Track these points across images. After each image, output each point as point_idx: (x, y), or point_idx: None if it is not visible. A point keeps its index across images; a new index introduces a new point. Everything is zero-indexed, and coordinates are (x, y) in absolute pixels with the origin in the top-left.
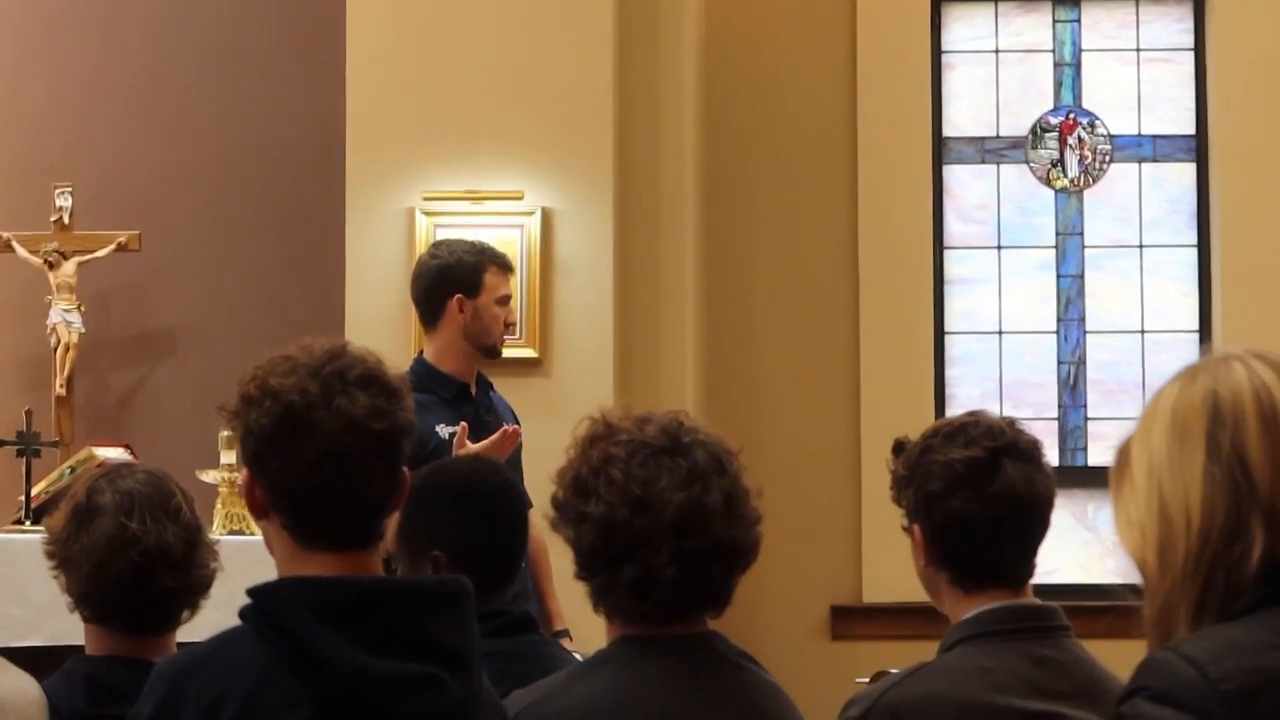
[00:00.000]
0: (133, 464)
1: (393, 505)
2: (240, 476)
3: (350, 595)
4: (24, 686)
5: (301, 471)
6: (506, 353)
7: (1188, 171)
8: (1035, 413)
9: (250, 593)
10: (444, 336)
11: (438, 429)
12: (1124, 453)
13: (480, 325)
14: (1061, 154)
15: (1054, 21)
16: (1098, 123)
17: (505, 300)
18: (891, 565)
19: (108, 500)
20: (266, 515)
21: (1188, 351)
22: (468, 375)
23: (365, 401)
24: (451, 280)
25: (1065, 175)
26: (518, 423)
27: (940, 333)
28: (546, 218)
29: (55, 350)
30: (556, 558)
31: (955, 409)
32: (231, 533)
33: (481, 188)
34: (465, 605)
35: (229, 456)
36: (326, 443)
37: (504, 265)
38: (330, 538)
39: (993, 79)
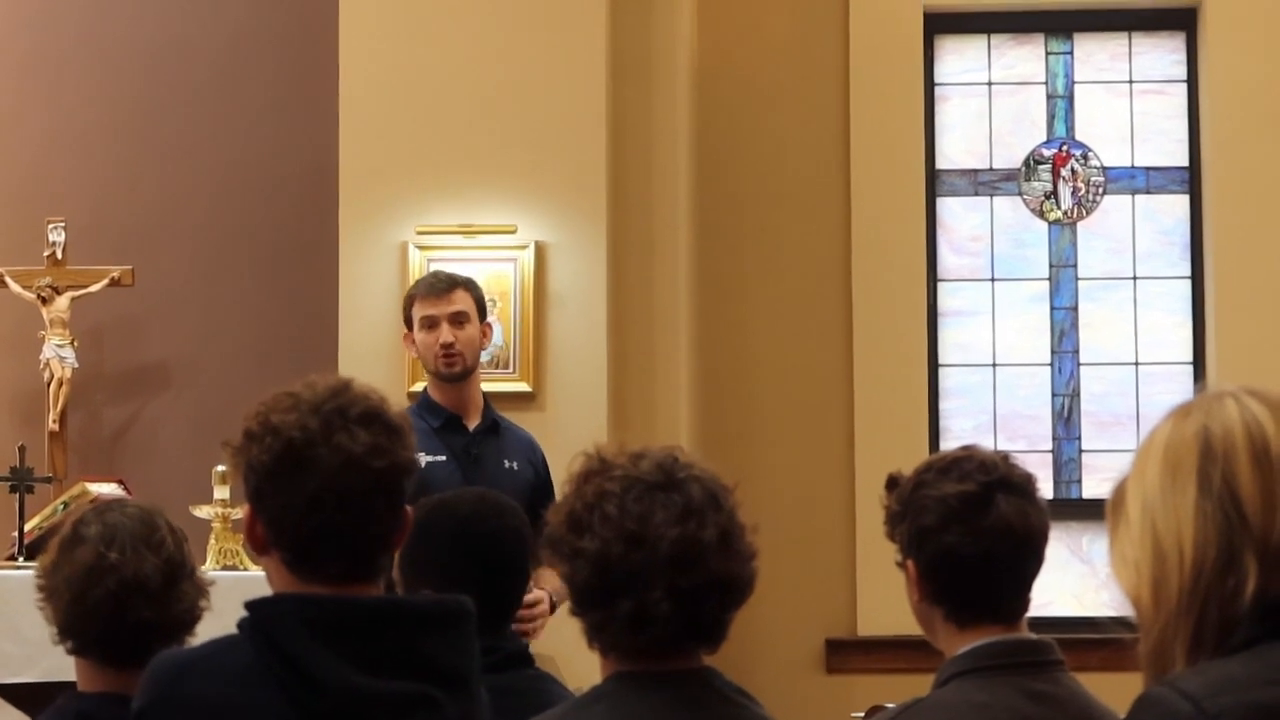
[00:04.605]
0: (126, 500)
1: (394, 542)
2: (242, 512)
3: (346, 613)
4: None
5: (301, 508)
6: (500, 386)
7: (1181, 203)
8: (1029, 445)
9: (248, 605)
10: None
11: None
12: (1119, 491)
13: (420, 354)
14: (1055, 186)
15: (1047, 54)
16: (1091, 155)
17: (430, 322)
18: (886, 598)
19: (92, 531)
20: (267, 551)
21: (1182, 383)
22: (459, 406)
23: (366, 439)
24: (404, 319)
25: (1058, 207)
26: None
27: (934, 365)
28: (540, 251)
29: (48, 385)
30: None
31: (949, 441)
32: (225, 568)
33: (475, 221)
34: (465, 625)
35: (223, 491)
36: (326, 480)
37: (429, 290)
38: (330, 573)
39: (986, 111)
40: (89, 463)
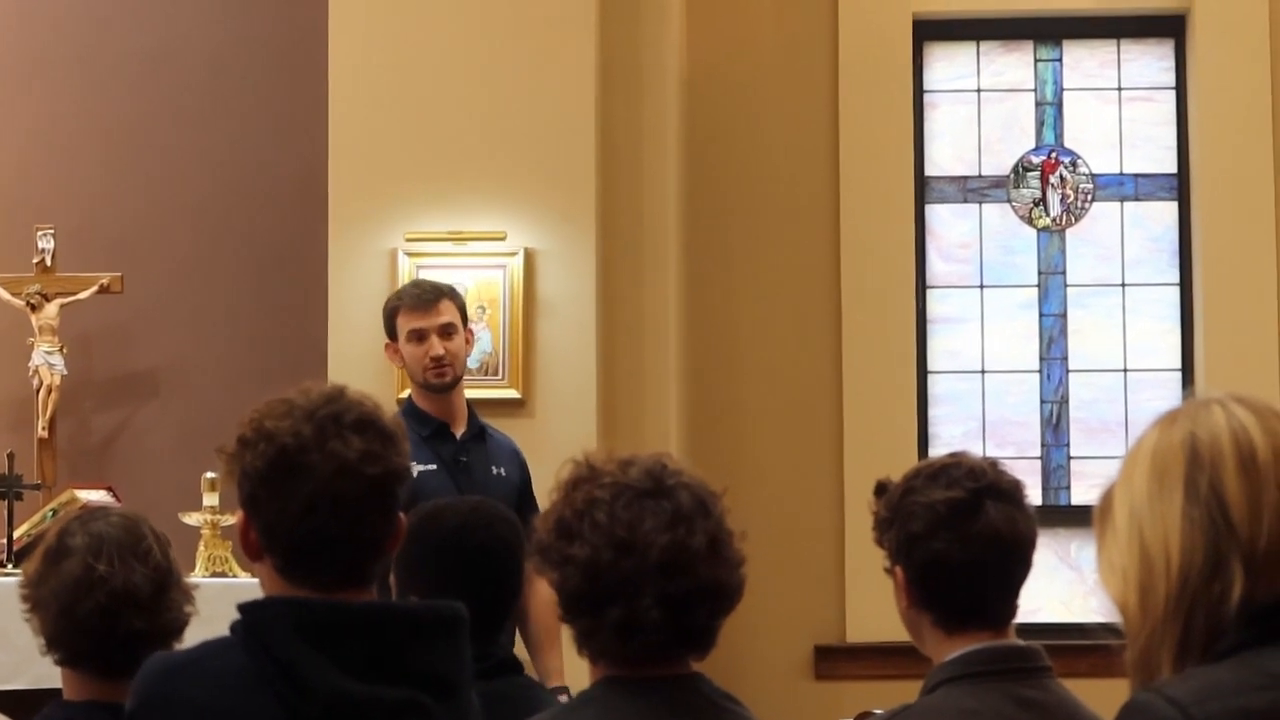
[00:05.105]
0: (109, 508)
1: (387, 548)
2: (233, 519)
3: (338, 617)
4: None
5: (295, 514)
6: (489, 394)
7: (1169, 210)
8: (1018, 451)
9: (240, 607)
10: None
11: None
12: (1107, 499)
13: (407, 366)
14: (1043, 193)
15: (1035, 61)
16: (1079, 162)
17: (419, 335)
18: (875, 604)
19: (78, 542)
20: (260, 558)
21: (1170, 390)
22: (446, 414)
23: (359, 445)
24: (385, 330)
25: (1047, 214)
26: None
27: (923, 372)
28: (529, 258)
29: (37, 392)
30: None
31: (938, 448)
32: (214, 575)
33: (464, 228)
34: (457, 632)
35: (211, 499)
36: (319, 485)
37: (415, 302)
38: (323, 579)
39: (975, 118)
40: (78, 469)
